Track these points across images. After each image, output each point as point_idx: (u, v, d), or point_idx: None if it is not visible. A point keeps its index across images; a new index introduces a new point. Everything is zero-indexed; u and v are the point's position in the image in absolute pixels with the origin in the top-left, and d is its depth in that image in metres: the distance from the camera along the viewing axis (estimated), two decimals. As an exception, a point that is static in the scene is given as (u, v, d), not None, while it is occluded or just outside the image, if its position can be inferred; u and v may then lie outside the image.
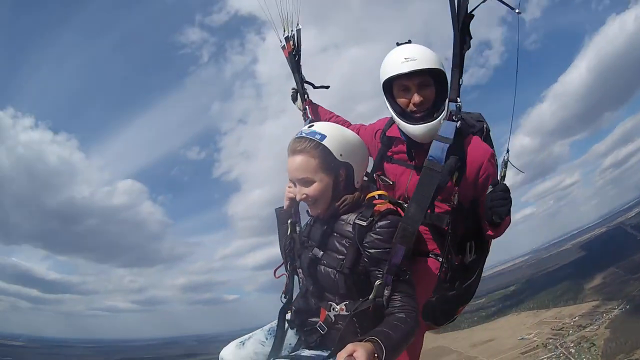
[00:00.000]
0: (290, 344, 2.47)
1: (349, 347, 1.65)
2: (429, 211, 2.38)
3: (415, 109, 2.44)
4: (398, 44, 2.58)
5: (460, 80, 2.29)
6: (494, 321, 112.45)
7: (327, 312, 2.24)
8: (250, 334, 2.46)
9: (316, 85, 3.65)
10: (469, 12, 2.25)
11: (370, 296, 2.08)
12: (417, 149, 2.61)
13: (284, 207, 2.68)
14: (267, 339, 2.45)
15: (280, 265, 2.64)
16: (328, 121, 3.15)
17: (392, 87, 2.51)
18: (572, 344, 77.53)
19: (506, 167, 2.32)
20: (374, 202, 2.25)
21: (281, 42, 3.63)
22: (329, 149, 2.18)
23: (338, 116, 3.56)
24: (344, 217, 2.26)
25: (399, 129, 2.62)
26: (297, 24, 3.56)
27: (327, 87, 3.72)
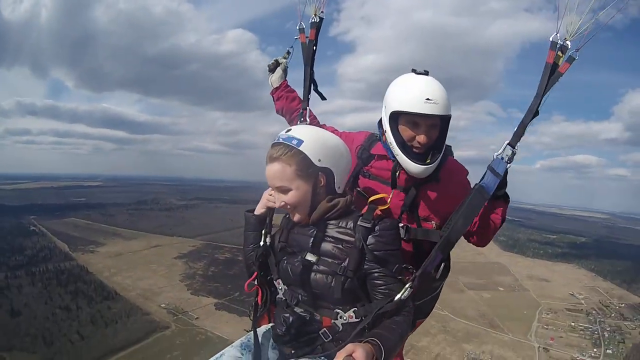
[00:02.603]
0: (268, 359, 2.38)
1: (349, 347, 1.67)
2: (414, 226, 2.61)
3: (417, 145, 2.46)
4: (414, 72, 2.51)
5: (523, 133, 2.37)
6: (556, 263, 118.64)
7: (333, 320, 2.18)
8: (221, 351, 2.28)
9: (318, 90, 3.34)
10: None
11: (396, 298, 2.08)
12: (402, 172, 2.63)
13: (256, 212, 2.57)
14: (242, 354, 2.28)
15: (252, 278, 2.48)
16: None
17: (399, 118, 2.46)
18: (609, 328, 78.58)
19: (511, 162, 2.40)
20: (376, 205, 2.23)
21: (300, 24, 3.28)
22: (306, 155, 2.12)
23: (323, 125, 3.22)
24: (336, 221, 2.21)
25: (390, 151, 2.62)
26: (322, 11, 3.25)
27: (324, 99, 3.43)
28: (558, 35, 2.32)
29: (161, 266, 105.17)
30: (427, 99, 2.33)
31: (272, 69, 3.47)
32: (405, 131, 2.47)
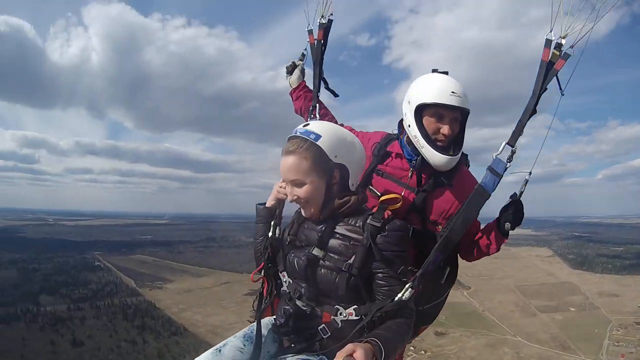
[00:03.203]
0: (268, 352, 2.35)
1: (349, 347, 1.66)
2: (419, 228, 2.67)
3: (442, 138, 2.56)
4: (435, 71, 2.67)
5: (521, 132, 2.41)
6: (624, 276, 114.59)
7: (332, 317, 2.17)
8: (224, 341, 2.28)
9: (329, 87, 3.48)
10: (546, 88, 2.40)
11: (396, 298, 2.07)
12: (424, 172, 2.72)
13: (267, 205, 2.62)
14: (244, 345, 2.27)
15: (258, 269, 2.50)
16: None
17: (424, 110, 2.57)
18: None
19: (525, 185, 2.42)
20: (388, 205, 2.24)
21: (309, 25, 3.36)
22: (323, 150, 2.11)
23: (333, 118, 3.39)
24: (346, 219, 2.21)
25: (408, 150, 2.75)
26: (331, 14, 3.30)
27: (337, 95, 3.55)
28: (552, 33, 2.37)
29: (232, 303, 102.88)
30: (453, 92, 2.49)
31: (289, 71, 3.60)
32: (430, 124, 2.57)
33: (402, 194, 2.67)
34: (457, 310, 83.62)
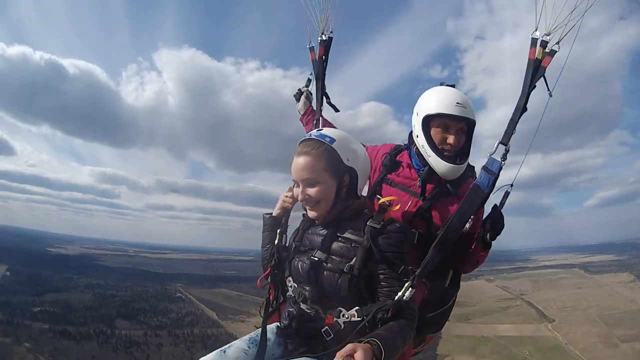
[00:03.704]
0: (272, 355, 2.41)
1: (349, 347, 1.67)
2: (420, 231, 2.75)
3: (448, 148, 2.67)
4: (442, 84, 2.83)
5: (513, 131, 2.49)
6: None
7: (335, 318, 2.21)
8: (231, 343, 2.38)
9: (330, 102, 3.59)
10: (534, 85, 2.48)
11: (396, 297, 2.10)
12: (431, 182, 2.81)
13: (274, 214, 2.73)
14: (249, 347, 2.36)
15: (264, 275, 2.61)
16: None
17: (431, 121, 2.70)
18: None
19: (506, 198, 2.49)
20: (386, 207, 2.29)
21: (310, 43, 3.54)
22: (337, 152, 2.23)
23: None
24: (348, 222, 2.29)
25: (416, 160, 2.88)
26: (331, 31, 3.48)
27: (337, 111, 3.66)
28: (537, 32, 2.46)
29: None
30: (458, 103, 2.62)
31: (297, 99, 3.76)
32: (437, 134, 2.69)
33: (410, 201, 2.81)
34: (541, 344, 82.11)
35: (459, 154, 2.69)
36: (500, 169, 2.46)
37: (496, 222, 2.47)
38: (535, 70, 2.43)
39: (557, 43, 2.40)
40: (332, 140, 2.23)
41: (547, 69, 2.46)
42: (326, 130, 2.33)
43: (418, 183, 2.82)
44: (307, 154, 2.22)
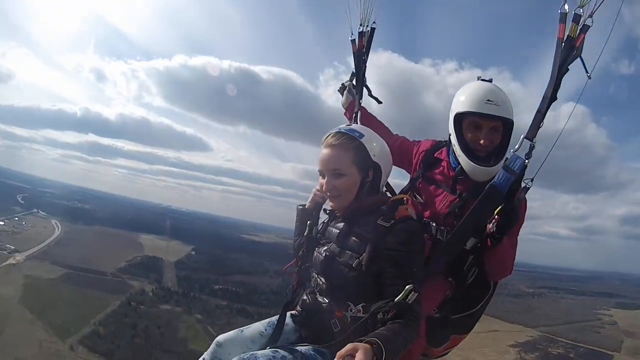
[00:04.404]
0: (287, 339, 2.47)
1: (349, 347, 1.65)
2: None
3: (479, 148, 2.51)
4: (479, 79, 2.65)
5: (541, 124, 2.30)
6: None
7: (343, 312, 2.25)
8: (251, 324, 2.51)
9: (372, 94, 3.49)
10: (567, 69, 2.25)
11: (397, 299, 2.04)
12: (463, 181, 2.68)
13: (306, 206, 2.75)
14: (265, 330, 2.45)
15: (291, 263, 2.72)
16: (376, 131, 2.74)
17: (463, 119, 2.56)
18: None
19: (524, 193, 2.33)
20: (399, 206, 2.27)
21: (352, 34, 3.44)
22: (365, 147, 2.27)
23: (386, 127, 3.40)
24: (364, 218, 2.28)
25: (452, 158, 2.72)
26: (374, 22, 3.37)
27: (380, 102, 3.56)
28: (566, 5, 2.18)
29: (493, 351, 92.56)
30: (489, 100, 2.44)
31: (341, 93, 3.59)
32: (468, 133, 2.54)
33: (444, 200, 2.71)
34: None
35: (492, 154, 2.49)
36: (525, 168, 2.23)
37: (506, 215, 2.28)
38: (569, 51, 2.13)
39: (591, 16, 2.06)
40: (361, 135, 2.28)
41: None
42: (355, 126, 2.42)
43: (452, 181, 2.70)
44: (336, 146, 2.25)
